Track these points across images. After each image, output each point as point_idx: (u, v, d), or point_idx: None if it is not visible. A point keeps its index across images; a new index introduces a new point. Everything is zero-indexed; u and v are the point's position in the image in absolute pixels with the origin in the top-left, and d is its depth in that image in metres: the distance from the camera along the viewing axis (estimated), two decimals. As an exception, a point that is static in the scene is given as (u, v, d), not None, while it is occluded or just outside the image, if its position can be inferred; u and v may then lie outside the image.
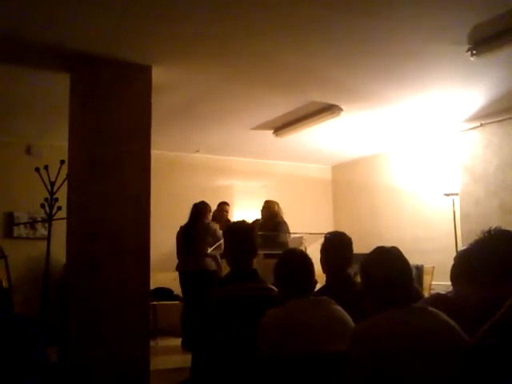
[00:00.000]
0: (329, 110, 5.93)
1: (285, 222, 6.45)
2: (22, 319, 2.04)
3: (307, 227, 6.47)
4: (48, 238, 5.87)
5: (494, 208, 6.28)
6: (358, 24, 3.91)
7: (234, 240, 2.92)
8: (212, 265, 6.12)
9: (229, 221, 6.98)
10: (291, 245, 5.99)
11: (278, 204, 6.64)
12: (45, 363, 2.00)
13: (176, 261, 6.39)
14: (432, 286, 6.16)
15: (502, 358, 1.35)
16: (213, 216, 6.90)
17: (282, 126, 6.72)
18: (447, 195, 6.68)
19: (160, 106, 5.13)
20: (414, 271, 6.24)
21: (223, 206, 7.08)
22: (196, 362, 2.71)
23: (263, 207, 6.67)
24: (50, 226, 5.93)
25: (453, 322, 2.00)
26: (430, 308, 2.06)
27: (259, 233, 6.18)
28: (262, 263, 4.73)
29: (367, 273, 2.17)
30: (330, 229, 6.87)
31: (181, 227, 6.35)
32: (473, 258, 2.31)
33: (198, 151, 7.99)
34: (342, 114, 5.99)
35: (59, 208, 5.79)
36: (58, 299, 5.62)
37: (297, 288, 2.56)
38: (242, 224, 3.03)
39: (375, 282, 2.12)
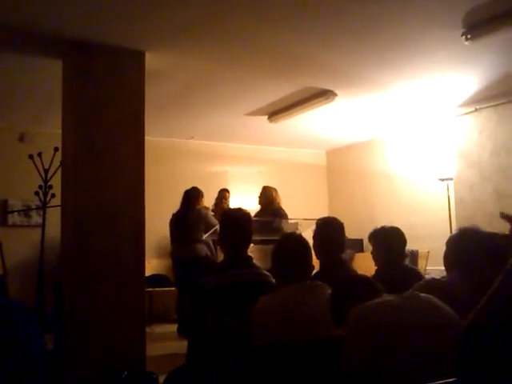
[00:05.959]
0: (323, 95, 5.91)
1: (282, 209, 6.43)
2: (21, 305, 2.03)
3: (302, 213, 6.46)
4: (42, 226, 5.85)
5: (488, 193, 6.30)
6: (351, 9, 3.87)
7: (230, 227, 2.92)
8: (203, 251, 6.12)
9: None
10: (286, 230, 5.98)
11: (275, 190, 6.59)
12: (43, 352, 2.01)
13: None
14: (427, 271, 6.17)
15: (495, 336, 1.37)
16: (215, 203, 6.92)
17: (276, 112, 6.70)
18: (442, 180, 6.70)
19: (154, 93, 5.10)
20: (409, 256, 6.27)
21: (223, 194, 7.07)
22: (192, 349, 2.72)
23: (261, 193, 6.62)
24: (44, 213, 5.90)
25: (447, 307, 2.01)
26: (424, 294, 2.08)
27: (255, 218, 6.22)
28: (258, 249, 4.74)
29: None
30: (325, 214, 6.86)
31: (173, 214, 6.33)
32: (463, 243, 2.34)
33: (192, 137, 7.97)
34: (337, 99, 5.97)
35: (53, 195, 5.76)
36: (53, 286, 5.61)
37: (295, 272, 2.56)
38: (237, 212, 3.03)
39: None
